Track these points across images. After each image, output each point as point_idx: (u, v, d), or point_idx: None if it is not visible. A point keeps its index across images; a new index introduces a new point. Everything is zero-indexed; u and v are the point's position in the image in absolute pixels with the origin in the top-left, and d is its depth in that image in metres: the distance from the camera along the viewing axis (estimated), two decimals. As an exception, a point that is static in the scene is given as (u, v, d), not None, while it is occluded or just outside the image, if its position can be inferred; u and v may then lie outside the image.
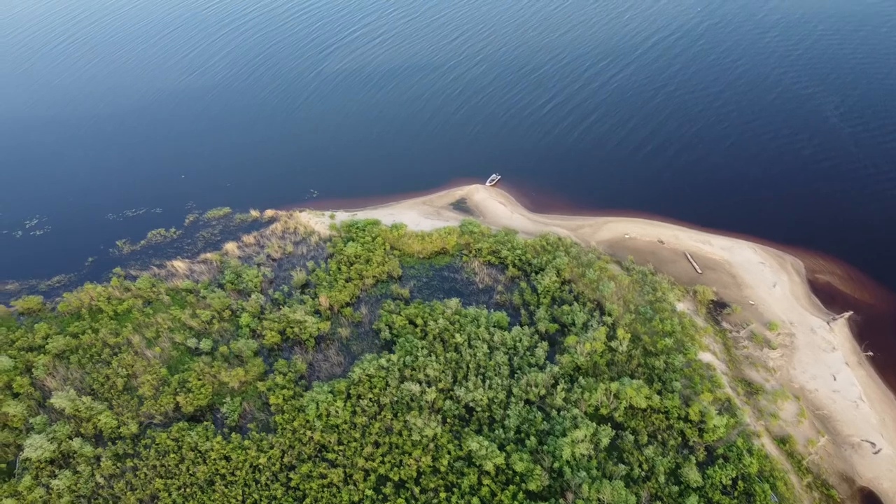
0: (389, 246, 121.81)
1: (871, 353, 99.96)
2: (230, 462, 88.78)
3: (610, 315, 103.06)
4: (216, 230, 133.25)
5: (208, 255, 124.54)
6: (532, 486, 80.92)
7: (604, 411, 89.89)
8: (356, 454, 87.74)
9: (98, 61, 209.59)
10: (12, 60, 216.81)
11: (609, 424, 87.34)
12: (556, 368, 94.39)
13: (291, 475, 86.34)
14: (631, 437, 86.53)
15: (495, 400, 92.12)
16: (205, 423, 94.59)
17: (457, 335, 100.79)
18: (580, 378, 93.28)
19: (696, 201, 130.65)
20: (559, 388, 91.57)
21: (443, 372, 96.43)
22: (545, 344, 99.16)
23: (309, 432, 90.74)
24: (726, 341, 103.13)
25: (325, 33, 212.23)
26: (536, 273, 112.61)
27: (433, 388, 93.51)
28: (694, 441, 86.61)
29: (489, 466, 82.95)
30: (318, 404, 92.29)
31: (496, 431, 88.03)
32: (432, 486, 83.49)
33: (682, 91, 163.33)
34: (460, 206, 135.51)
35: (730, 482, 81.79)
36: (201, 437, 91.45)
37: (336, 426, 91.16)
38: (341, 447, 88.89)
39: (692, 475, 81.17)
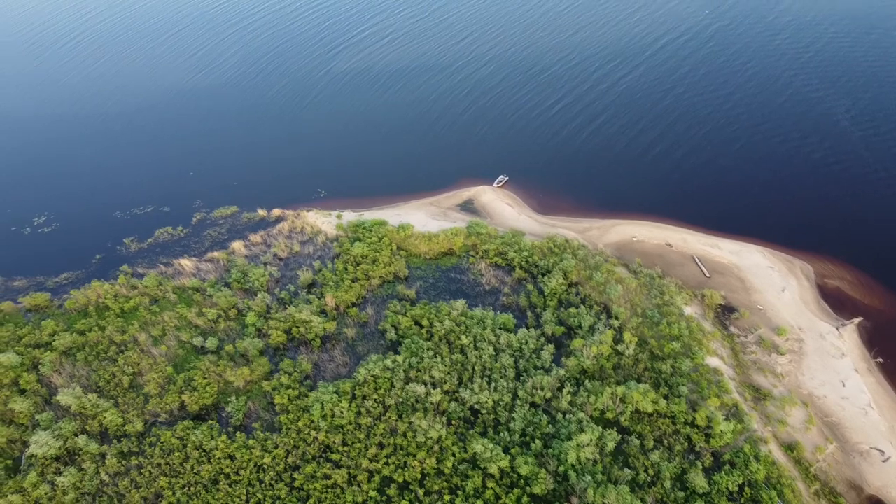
0: (396, 246, 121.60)
1: (881, 360, 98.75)
2: (234, 461, 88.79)
3: (617, 318, 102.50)
4: (223, 229, 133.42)
5: (215, 254, 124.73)
6: (537, 490, 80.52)
7: (610, 415, 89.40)
8: (360, 455, 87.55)
9: (106, 60, 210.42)
10: (21, 59, 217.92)
11: (615, 428, 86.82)
12: (562, 371, 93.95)
13: (295, 475, 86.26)
14: (637, 442, 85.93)
15: (500, 402, 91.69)
16: (210, 422, 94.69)
17: (463, 337, 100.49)
18: (586, 381, 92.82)
19: (705, 204, 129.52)
20: (565, 391, 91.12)
21: (448, 374, 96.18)
22: (551, 346, 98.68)
23: (314, 432, 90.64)
24: (734, 346, 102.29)
25: (333, 32, 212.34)
26: (543, 275, 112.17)
27: (438, 389, 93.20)
28: (700, 446, 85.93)
29: (494, 469, 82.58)
30: (322, 404, 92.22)
31: (501, 434, 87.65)
32: (436, 488, 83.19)
33: (692, 93, 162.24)
34: (467, 207, 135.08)
35: (736, 488, 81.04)
36: (206, 436, 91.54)
37: (341, 427, 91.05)
38: (346, 448, 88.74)
39: (698, 481, 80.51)
